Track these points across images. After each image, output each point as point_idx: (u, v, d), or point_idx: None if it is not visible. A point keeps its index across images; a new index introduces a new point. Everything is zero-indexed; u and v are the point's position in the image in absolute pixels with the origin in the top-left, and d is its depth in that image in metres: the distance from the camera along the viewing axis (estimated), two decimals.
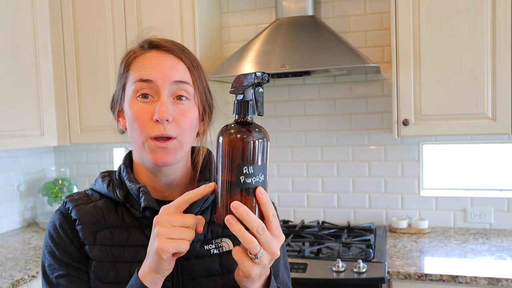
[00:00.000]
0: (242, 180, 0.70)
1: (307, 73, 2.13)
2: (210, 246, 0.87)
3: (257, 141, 0.71)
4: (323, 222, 2.36)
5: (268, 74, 0.74)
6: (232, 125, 0.73)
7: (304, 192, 2.46)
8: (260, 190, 0.71)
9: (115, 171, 0.94)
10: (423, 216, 2.29)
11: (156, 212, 0.83)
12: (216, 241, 0.88)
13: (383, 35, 2.26)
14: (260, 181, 0.72)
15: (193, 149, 0.95)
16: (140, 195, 0.84)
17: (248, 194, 0.71)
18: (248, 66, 2.05)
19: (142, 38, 0.89)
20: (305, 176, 2.45)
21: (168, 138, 0.83)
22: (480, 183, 2.29)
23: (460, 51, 1.89)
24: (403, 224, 2.22)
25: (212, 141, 0.95)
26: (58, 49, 2.35)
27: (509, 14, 1.83)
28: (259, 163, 0.72)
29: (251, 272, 0.71)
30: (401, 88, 1.97)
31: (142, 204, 0.83)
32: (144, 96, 0.83)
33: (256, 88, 0.73)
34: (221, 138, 0.72)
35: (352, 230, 2.21)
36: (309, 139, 2.43)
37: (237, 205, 0.69)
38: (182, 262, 0.84)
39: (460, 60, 1.90)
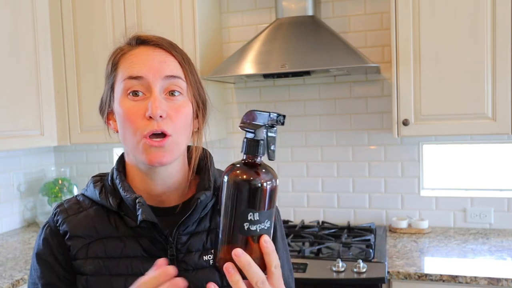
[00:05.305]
0: (246, 227, 0.65)
1: (307, 73, 2.12)
2: (209, 257, 0.82)
3: (265, 185, 0.66)
4: (323, 222, 2.36)
5: (284, 116, 0.69)
6: (239, 166, 0.67)
7: (304, 192, 2.46)
8: (265, 239, 0.67)
9: (108, 174, 0.89)
10: (423, 216, 2.28)
11: (153, 224, 0.79)
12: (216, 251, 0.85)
13: (383, 35, 2.26)
14: (266, 228, 0.67)
15: (189, 150, 0.89)
16: (137, 207, 0.78)
17: (251, 242, 0.66)
18: (248, 66, 2.05)
19: (129, 35, 0.85)
20: (305, 176, 2.45)
21: (163, 136, 0.77)
22: (480, 183, 2.29)
23: (460, 51, 1.89)
24: (403, 224, 2.22)
25: (207, 143, 0.90)
26: (58, 49, 2.35)
27: (509, 14, 1.83)
28: (266, 209, 0.66)
29: None
30: (401, 88, 1.97)
31: (140, 218, 0.77)
32: (135, 93, 0.78)
33: (269, 129, 0.68)
34: (226, 177, 0.67)
35: (352, 230, 2.21)
36: (309, 139, 2.43)
37: (239, 253, 0.64)
38: (181, 274, 0.78)
39: (460, 60, 1.90)
